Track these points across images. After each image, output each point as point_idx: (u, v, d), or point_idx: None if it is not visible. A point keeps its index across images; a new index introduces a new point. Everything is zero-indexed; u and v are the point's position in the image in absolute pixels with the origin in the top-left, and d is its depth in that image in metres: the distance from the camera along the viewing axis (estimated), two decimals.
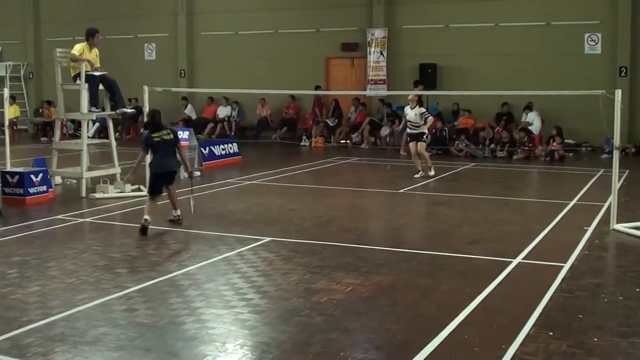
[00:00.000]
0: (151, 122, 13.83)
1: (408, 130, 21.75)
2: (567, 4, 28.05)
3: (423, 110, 21.21)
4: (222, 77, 32.64)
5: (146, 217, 13.01)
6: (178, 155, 13.92)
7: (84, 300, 8.97)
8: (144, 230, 12.89)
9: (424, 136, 20.90)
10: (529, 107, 27.13)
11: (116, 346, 7.52)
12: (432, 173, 20.45)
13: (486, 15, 29.16)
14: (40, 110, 36.06)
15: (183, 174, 19.68)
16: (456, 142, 26.83)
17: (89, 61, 17.21)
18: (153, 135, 13.55)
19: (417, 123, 20.63)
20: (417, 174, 20.26)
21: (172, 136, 13.70)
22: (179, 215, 13.84)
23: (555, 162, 24.57)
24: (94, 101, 17.37)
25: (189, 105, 33.98)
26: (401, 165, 23.79)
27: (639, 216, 14.24)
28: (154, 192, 13.65)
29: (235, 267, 10.73)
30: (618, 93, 13.30)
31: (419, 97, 22.11)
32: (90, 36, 17.46)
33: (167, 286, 9.71)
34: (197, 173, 19.29)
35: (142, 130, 27.43)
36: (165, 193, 13.89)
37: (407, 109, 21.14)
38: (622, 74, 27.16)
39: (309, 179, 20.98)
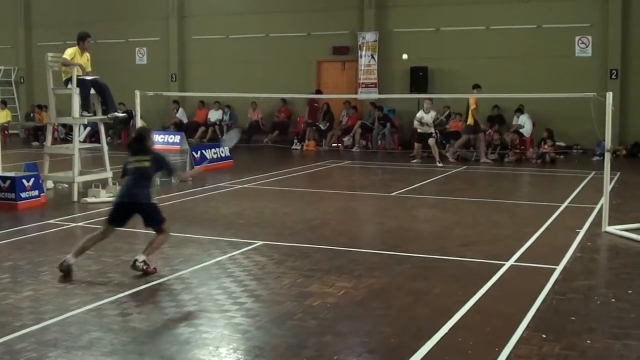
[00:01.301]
0: (132, 144, 11.40)
1: (419, 131, 25.25)
2: (558, 7, 28.14)
3: (435, 114, 25.60)
4: (213, 81, 32.69)
5: (68, 256, 10.57)
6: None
7: (76, 305, 8.94)
8: (64, 271, 10.43)
9: (433, 134, 24.93)
10: (520, 110, 27.21)
11: (109, 351, 7.50)
12: (440, 165, 23.72)
13: (477, 19, 29.25)
14: (32, 114, 36.03)
15: (175, 179, 19.71)
16: (447, 146, 26.87)
17: (80, 65, 17.19)
18: (129, 159, 11.13)
19: (429, 125, 24.91)
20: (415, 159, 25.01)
21: (148, 164, 10.97)
22: (143, 262, 10.54)
23: (546, 164, 24.61)
24: (85, 105, 17.33)
25: (181, 109, 34.00)
26: (393, 168, 23.82)
27: (630, 218, 14.28)
28: (110, 221, 11.02)
29: (228, 271, 10.71)
30: (609, 95, 13.33)
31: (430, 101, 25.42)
32: (82, 40, 17.45)
33: (160, 290, 9.69)
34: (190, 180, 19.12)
35: (133, 134, 27.44)
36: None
37: (422, 113, 25.01)
38: (613, 77, 27.27)
39: (301, 183, 20.97)
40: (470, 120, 25.39)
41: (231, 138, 13.37)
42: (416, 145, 25.57)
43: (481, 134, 25.79)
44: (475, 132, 25.66)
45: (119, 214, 10.92)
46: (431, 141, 24.75)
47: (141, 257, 10.57)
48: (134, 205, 10.84)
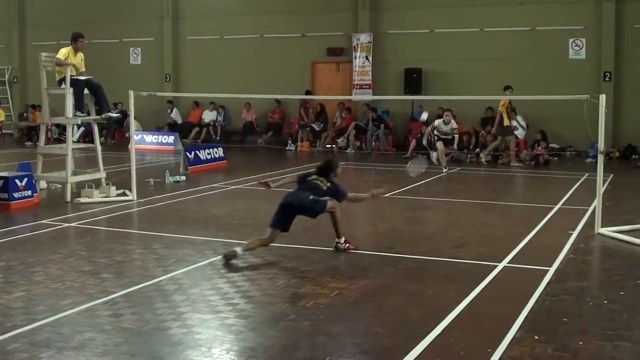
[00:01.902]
0: (322, 166, 12.28)
1: (440, 137, 24.27)
2: (552, 10, 28.22)
3: (455, 125, 24.61)
4: (207, 82, 32.70)
5: (238, 248, 11.39)
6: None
7: (69, 306, 8.92)
8: (228, 257, 11.29)
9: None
10: (514, 112, 27.18)
11: (102, 351, 7.48)
12: (446, 170, 23.22)
13: (471, 21, 29.30)
14: (25, 114, 36.01)
15: (169, 179, 19.70)
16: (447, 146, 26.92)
17: (74, 65, 17.17)
18: (312, 175, 12.21)
19: (449, 135, 24.28)
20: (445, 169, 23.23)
21: (325, 188, 11.95)
22: (344, 242, 12.05)
23: (540, 166, 24.64)
24: (79, 105, 17.29)
25: (175, 109, 34.00)
26: (387, 169, 23.83)
27: (623, 220, 14.30)
28: (274, 225, 11.72)
29: (221, 271, 10.70)
30: (602, 98, 13.34)
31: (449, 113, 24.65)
32: (75, 40, 17.41)
33: (152, 291, 9.67)
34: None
35: (127, 134, 27.41)
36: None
37: (440, 123, 24.36)
38: (607, 79, 27.35)
39: (295, 184, 20.92)
40: (506, 122, 25.10)
41: (419, 164, 13.42)
42: (439, 145, 24.08)
43: (512, 136, 25.52)
44: (509, 134, 25.42)
45: (283, 216, 11.74)
46: (440, 145, 23.96)
47: (341, 240, 12.01)
48: (298, 206, 11.79)
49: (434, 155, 23.94)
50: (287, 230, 11.79)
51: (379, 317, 8.73)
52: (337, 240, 12.06)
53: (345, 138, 29.87)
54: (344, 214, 12.89)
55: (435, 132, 24.31)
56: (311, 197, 11.76)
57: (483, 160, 25.55)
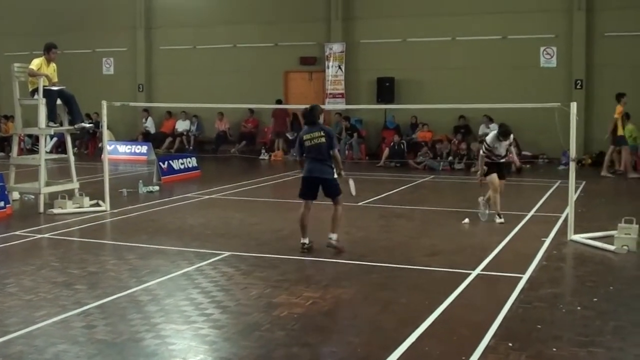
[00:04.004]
0: (307, 116, 13.06)
1: (492, 160, 15.76)
2: (523, 18, 28.35)
3: (512, 139, 16.19)
4: (180, 91, 32.59)
5: (304, 239, 12.72)
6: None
7: (42, 318, 8.86)
8: (307, 249, 12.65)
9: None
10: (490, 119, 27.19)
11: None
12: (501, 221, 15.53)
13: (443, 30, 29.41)
14: None
15: (142, 189, 19.64)
16: (418, 153, 26.97)
17: (46, 76, 17.09)
18: (304, 136, 12.80)
19: (501, 155, 15.85)
20: (501, 217, 15.48)
21: (323, 139, 12.59)
22: (337, 240, 12.66)
23: (512, 173, 24.69)
24: (51, 116, 17.22)
25: (150, 118, 33.88)
26: (360, 178, 23.82)
27: (595, 227, 14.36)
28: (302, 196, 13.00)
29: (195, 282, 10.66)
30: (573, 105, 13.42)
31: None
32: (48, 51, 17.35)
33: (126, 302, 9.62)
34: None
35: (100, 144, 27.28)
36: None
37: (494, 142, 15.63)
38: (578, 87, 27.51)
39: (269, 193, 20.96)
40: (620, 131, 24.36)
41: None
42: (491, 178, 15.67)
43: (626, 146, 24.49)
44: (624, 144, 24.49)
45: (308, 189, 12.82)
46: (502, 183, 16.01)
47: (334, 236, 12.56)
48: (318, 180, 12.64)
49: (482, 209, 16.14)
50: (315, 198, 12.89)
51: (353, 326, 8.73)
52: (330, 235, 12.58)
53: None
54: (316, 221, 12.91)
55: (484, 151, 15.92)
56: (334, 176, 12.72)
57: (605, 173, 24.13)
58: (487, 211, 15.82)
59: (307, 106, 13.28)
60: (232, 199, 19.15)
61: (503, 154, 15.77)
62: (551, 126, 14.31)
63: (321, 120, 13.16)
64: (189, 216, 16.57)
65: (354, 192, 13.38)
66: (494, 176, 15.57)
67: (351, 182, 13.31)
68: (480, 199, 16.15)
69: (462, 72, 29.05)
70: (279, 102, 30.55)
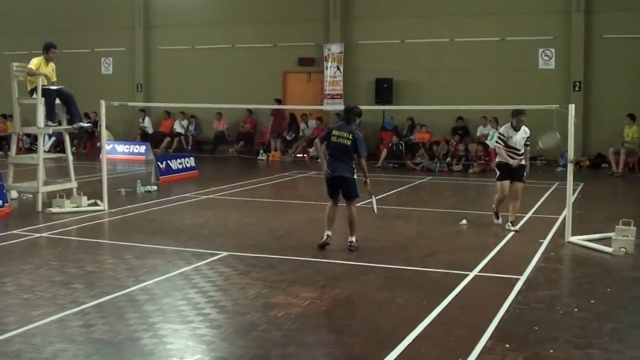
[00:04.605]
0: (345, 113, 13.36)
1: (510, 160, 14.91)
2: (521, 20, 28.37)
3: (529, 133, 15.17)
4: (179, 91, 32.53)
5: (327, 232, 13.00)
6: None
7: (40, 316, 8.86)
8: (323, 245, 12.90)
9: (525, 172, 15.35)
10: (496, 121, 27.11)
11: None
12: (517, 227, 14.90)
13: (441, 31, 29.42)
14: None
15: (140, 189, 19.62)
16: (417, 155, 26.97)
17: (45, 75, 17.09)
18: (333, 131, 13.06)
19: (519, 150, 14.97)
20: (514, 225, 14.79)
21: (349, 142, 12.82)
22: (355, 240, 12.98)
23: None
24: (50, 115, 17.22)
25: (147, 118, 33.87)
26: (358, 179, 23.78)
27: (593, 228, 14.37)
28: (330, 195, 13.25)
29: (192, 281, 10.66)
30: (571, 107, 13.44)
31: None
32: (47, 50, 17.34)
33: (124, 301, 9.62)
34: None
35: (98, 144, 27.27)
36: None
37: (508, 130, 14.98)
38: (576, 89, 27.51)
39: (266, 193, 20.96)
40: None
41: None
42: (501, 185, 15.13)
43: None
44: None
45: (333, 188, 13.08)
46: (523, 188, 15.30)
47: (354, 239, 12.88)
48: (340, 179, 12.88)
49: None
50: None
51: (350, 327, 8.73)
52: (350, 238, 12.92)
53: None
54: (313, 221, 12.91)
55: (499, 142, 15.24)
56: (355, 176, 12.95)
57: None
58: (497, 220, 15.44)
59: (350, 105, 13.67)
60: (229, 199, 19.15)
61: (519, 148, 14.89)
62: (549, 128, 14.30)
63: (358, 122, 13.22)
64: (187, 216, 16.57)
65: (375, 210, 13.43)
66: (505, 183, 15.00)
67: (374, 200, 13.39)
68: (508, 225, 14.80)
69: (461, 74, 29.06)
70: (278, 101, 30.56)
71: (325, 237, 12.86)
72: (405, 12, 30.09)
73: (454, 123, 28.72)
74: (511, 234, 14.33)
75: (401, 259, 12.24)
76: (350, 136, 12.75)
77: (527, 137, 14.99)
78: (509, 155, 14.87)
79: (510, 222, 14.79)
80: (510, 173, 14.95)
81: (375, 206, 13.38)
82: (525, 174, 15.15)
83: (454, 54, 29.34)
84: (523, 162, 15.08)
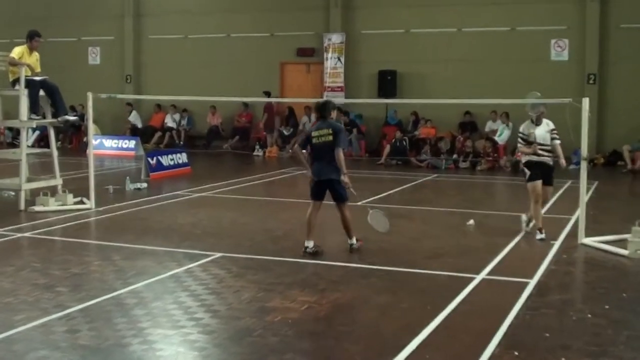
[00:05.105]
0: (318, 111, 13.21)
1: (535, 158, 14.19)
2: (533, 9, 28.32)
3: (553, 126, 14.37)
4: (170, 83, 32.50)
5: (307, 243, 12.62)
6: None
7: (22, 321, 8.85)
8: (317, 253, 12.59)
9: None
10: (507, 116, 27.09)
11: None
12: (527, 228, 14.58)
13: (448, 20, 29.37)
14: None
15: (129, 186, 19.62)
16: (421, 151, 26.95)
17: (28, 65, 17.06)
18: (313, 133, 12.82)
19: (546, 145, 14.18)
20: (542, 233, 13.96)
21: (330, 137, 12.54)
22: (357, 240, 12.96)
23: (519, 173, 24.61)
24: (34, 108, 17.17)
25: (134, 112, 33.85)
26: (359, 176, 23.79)
27: (607, 230, 14.34)
28: (314, 197, 12.94)
29: (184, 284, 10.66)
30: (585, 101, 13.41)
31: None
32: (31, 39, 17.29)
33: (111, 305, 9.61)
34: None
35: (85, 139, 27.25)
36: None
37: (528, 127, 14.32)
38: (591, 82, 27.47)
39: (263, 191, 20.96)
40: None
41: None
42: (533, 186, 14.13)
43: None
44: None
45: (317, 190, 12.82)
46: (550, 191, 14.68)
47: (354, 240, 12.88)
48: (326, 182, 12.62)
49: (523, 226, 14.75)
50: (323, 199, 12.93)
51: (350, 333, 8.73)
52: (350, 241, 12.91)
53: None
54: (306, 224, 12.87)
55: (521, 142, 14.57)
56: (341, 177, 12.56)
57: None
58: (526, 227, 14.56)
59: (320, 101, 13.47)
60: (224, 197, 19.15)
61: (547, 142, 14.04)
62: (562, 123, 14.28)
63: (333, 116, 13.02)
64: (179, 215, 16.57)
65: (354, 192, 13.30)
66: (537, 184, 14.02)
67: (379, 214, 13.41)
68: (523, 217, 14.70)
69: (468, 66, 29.02)
70: (267, 94, 30.44)
71: (305, 248, 12.53)
72: (411, 0, 30.04)
73: (461, 118, 28.70)
74: (521, 234, 14.30)
75: (404, 261, 12.23)
76: (331, 130, 12.56)
77: (553, 130, 14.17)
78: (536, 153, 14.07)
79: (539, 228, 14.01)
80: (542, 173, 14.16)
81: (353, 192, 13.18)
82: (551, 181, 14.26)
83: (462, 45, 29.27)
84: (551, 162, 14.21)
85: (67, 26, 35.19)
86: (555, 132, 14.14)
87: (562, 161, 14.17)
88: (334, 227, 13.05)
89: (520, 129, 14.54)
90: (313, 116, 30.24)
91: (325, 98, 13.07)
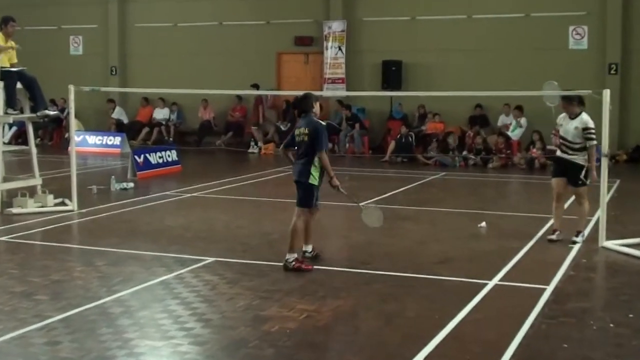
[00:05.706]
0: (297, 106, 13.10)
1: (558, 154, 14.16)
2: None
3: (590, 123, 13.62)
4: (159, 75, 32.50)
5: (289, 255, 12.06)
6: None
7: None
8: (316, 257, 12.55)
9: (583, 173, 13.78)
10: (520, 109, 27.10)
11: None
12: (579, 238, 13.88)
13: (457, 6, 29.35)
14: None
15: (115, 186, 19.62)
16: (429, 148, 26.95)
17: (13, 48, 16.94)
18: (296, 130, 12.45)
19: (574, 143, 13.70)
20: (554, 234, 14.02)
21: (306, 138, 12.06)
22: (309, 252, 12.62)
23: (535, 170, 24.69)
24: (10, 102, 17.12)
25: (117, 108, 33.76)
26: (362, 175, 23.81)
27: (630, 232, 14.37)
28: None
29: (174, 291, 10.66)
30: (606, 93, 13.37)
31: (579, 99, 13.94)
32: (5, 24, 17.15)
33: (95, 315, 9.61)
34: None
35: (66, 135, 27.25)
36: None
37: (564, 118, 13.95)
38: (612, 72, 27.40)
39: (258, 191, 20.95)
40: None
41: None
42: (555, 182, 14.18)
43: None
44: None
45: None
46: (583, 191, 14.01)
47: (291, 257, 11.93)
48: (296, 184, 12.27)
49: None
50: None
51: (352, 343, 8.74)
52: (287, 257, 11.98)
53: None
54: (316, 225, 12.85)
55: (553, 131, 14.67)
56: (309, 180, 12.03)
57: None
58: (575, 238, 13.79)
59: (299, 95, 13.17)
60: (216, 198, 19.16)
61: (574, 140, 13.55)
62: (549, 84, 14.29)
63: (316, 109, 12.45)
64: (168, 217, 16.59)
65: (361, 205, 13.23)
66: (556, 181, 14.05)
67: (370, 209, 13.22)
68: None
69: (479, 55, 28.99)
70: (255, 87, 30.38)
71: (303, 252, 12.49)
72: None
73: (471, 111, 28.64)
74: (536, 238, 14.26)
75: (410, 266, 12.25)
76: (306, 130, 12.05)
77: (586, 130, 13.45)
78: (559, 148, 13.95)
79: (577, 231, 13.85)
80: (565, 170, 13.90)
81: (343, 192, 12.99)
82: (582, 176, 13.68)
83: (472, 33, 29.23)
84: (580, 161, 13.63)
85: (46, 13, 35.18)
86: (589, 132, 13.46)
87: (593, 173, 13.59)
88: (334, 228, 13.05)
89: (557, 119, 14.16)
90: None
91: (303, 93, 12.57)
